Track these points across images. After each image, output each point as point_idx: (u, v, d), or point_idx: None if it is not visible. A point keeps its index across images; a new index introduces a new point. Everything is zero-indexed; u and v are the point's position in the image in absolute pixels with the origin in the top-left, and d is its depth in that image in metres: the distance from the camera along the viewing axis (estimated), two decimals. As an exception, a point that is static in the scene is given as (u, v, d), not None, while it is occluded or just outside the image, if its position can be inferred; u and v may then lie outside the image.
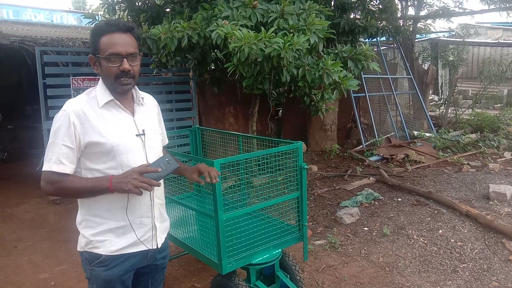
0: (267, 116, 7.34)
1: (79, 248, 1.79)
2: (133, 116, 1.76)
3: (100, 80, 1.74)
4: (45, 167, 1.64)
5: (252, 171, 3.08)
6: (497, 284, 3.18)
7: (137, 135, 1.74)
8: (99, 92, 1.71)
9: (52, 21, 11.73)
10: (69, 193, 1.70)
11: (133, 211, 1.73)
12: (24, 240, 4.37)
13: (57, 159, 1.62)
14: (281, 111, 8.37)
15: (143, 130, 1.75)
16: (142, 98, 1.83)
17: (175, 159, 1.74)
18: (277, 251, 2.67)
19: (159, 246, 1.84)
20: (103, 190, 1.63)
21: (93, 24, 4.77)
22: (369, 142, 7.77)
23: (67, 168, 1.63)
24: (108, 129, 1.66)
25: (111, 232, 1.71)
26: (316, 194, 5.41)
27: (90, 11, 12.93)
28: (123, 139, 1.69)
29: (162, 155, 1.86)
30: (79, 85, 5.28)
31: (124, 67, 1.65)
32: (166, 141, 2.07)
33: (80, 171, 1.69)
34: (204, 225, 2.75)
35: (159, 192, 1.85)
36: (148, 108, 1.87)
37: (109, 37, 1.64)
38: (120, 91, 1.71)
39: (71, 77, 5.28)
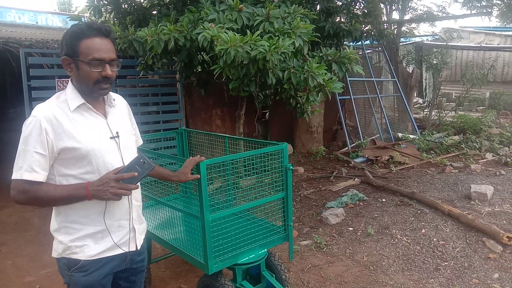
0: (254, 118, 7.39)
1: (55, 255, 1.76)
2: (106, 118, 1.74)
3: (70, 83, 1.70)
4: (16, 176, 1.58)
5: (238, 172, 3.11)
6: (477, 281, 3.27)
7: (111, 138, 1.71)
8: (70, 95, 1.67)
9: (37, 22, 11.61)
10: (44, 202, 1.65)
11: (112, 215, 1.71)
12: (8, 244, 4.32)
13: (28, 166, 1.56)
14: (268, 113, 8.42)
15: (117, 132, 1.74)
16: (114, 99, 1.82)
17: (152, 162, 1.71)
18: (263, 251, 2.70)
19: (138, 247, 1.84)
20: (80, 198, 1.61)
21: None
22: (354, 144, 7.87)
23: (40, 176, 1.58)
24: (82, 134, 1.63)
25: (89, 237, 1.69)
26: (302, 195, 5.46)
27: (75, 13, 12.82)
28: (98, 143, 1.66)
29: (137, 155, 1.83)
30: (64, 87, 5.22)
31: (107, 73, 1.64)
32: (140, 142, 2.05)
33: (54, 178, 1.65)
34: (190, 226, 2.77)
35: (136, 194, 1.83)
36: (120, 109, 1.85)
37: (91, 41, 1.61)
38: (97, 95, 1.70)
39: (56, 79, 5.25)
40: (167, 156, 2.92)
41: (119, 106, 1.85)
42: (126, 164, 1.70)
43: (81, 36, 1.61)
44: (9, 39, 5.59)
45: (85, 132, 1.64)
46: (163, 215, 2.95)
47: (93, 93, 1.68)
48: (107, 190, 1.56)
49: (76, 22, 4.75)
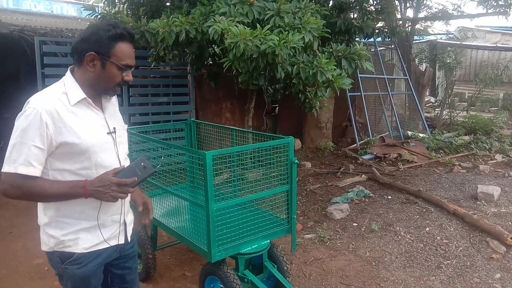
0: (263, 112, 7.42)
1: (46, 248, 1.71)
2: (104, 113, 1.72)
3: (69, 74, 1.65)
4: (9, 169, 1.50)
5: (245, 164, 3.15)
6: (478, 280, 3.28)
7: (108, 133, 1.70)
8: (70, 88, 1.61)
9: (52, 11, 11.73)
10: (37, 198, 1.59)
11: (107, 211, 1.71)
12: (19, 227, 4.44)
13: (25, 160, 1.50)
14: (277, 107, 8.44)
15: (114, 128, 1.73)
16: None
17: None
18: (265, 241, 2.75)
19: (129, 240, 1.86)
20: (77, 197, 1.59)
21: (96, 17, 4.80)
22: (363, 141, 7.86)
23: (37, 170, 1.52)
24: (82, 129, 1.59)
25: (82, 231, 1.67)
26: (308, 189, 5.50)
27: (90, 3, 12.94)
28: (97, 139, 1.64)
29: (128, 150, 1.84)
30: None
31: (130, 78, 1.66)
32: None
33: (47, 172, 1.59)
34: (196, 215, 2.83)
35: None
36: (113, 103, 1.82)
37: (126, 46, 1.62)
38: (110, 95, 1.72)
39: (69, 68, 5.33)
40: (175, 146, 2.98)
41: (112, 99, 1.82)
42: (121, 160, 1.72)
43: (118, 38, 1.59)
44: (25, 27, 5.69)
45: (85, 128, 1.61)
46: (170, 204, 3.02)
47: (108, 93, 1.70)
48: (107, 192, 1.56)
49: (90, 11, 4.83)
